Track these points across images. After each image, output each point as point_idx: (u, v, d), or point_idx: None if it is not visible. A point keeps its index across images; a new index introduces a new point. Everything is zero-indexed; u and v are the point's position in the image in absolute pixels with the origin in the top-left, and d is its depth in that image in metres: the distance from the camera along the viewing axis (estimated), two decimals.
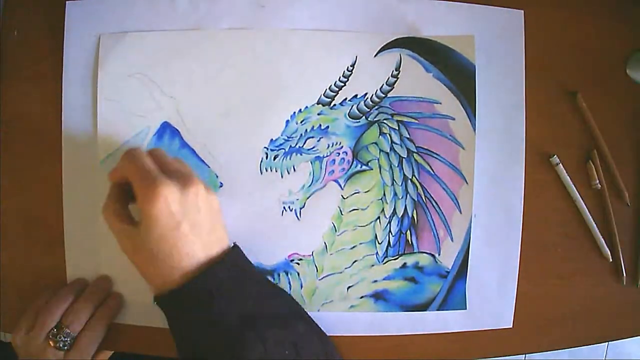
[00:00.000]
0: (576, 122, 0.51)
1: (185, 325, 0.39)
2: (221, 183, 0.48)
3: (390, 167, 0.49)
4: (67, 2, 0.48)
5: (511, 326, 0.50)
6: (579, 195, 0.50)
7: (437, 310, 0.50)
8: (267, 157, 0.48)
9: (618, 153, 0.51)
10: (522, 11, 0.50)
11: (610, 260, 0.51)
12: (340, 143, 0.49)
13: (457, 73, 0.49)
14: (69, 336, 0.43)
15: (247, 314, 0.38)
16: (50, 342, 0.43)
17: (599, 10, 0.51)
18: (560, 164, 0.50)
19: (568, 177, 0.50)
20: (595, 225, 0.51)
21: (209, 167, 0.48)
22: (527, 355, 1.12)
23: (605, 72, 0.51)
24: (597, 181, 0.51)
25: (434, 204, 0.49)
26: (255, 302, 0.40)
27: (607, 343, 1.28)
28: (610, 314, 0.52)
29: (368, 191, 0.49)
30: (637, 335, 0.53)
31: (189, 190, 0.38)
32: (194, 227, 0.38)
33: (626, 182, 0.51)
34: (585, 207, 0.51)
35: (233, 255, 0.41)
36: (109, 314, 0.47)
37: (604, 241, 0.51)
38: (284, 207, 0.49)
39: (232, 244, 0.42)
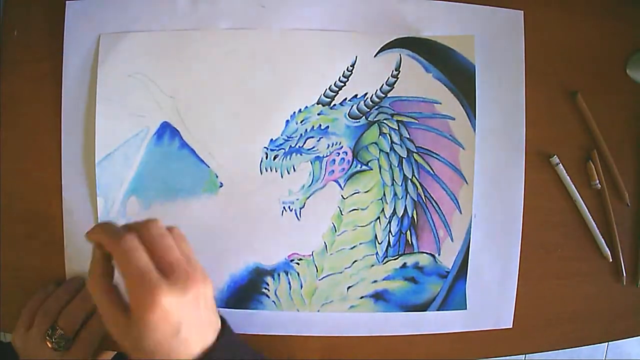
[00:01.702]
0: (576, 122, 0.51)
1: None
2: (221, 183, 0.48)
3: (390, 167, 0.49)
4: (66, 1, 0.48)
5: (511, 326, 0.50)
6: (579, 195, 0.50)
7: (437, 310, 0.50)
8: (267, 157, 0.48)
9: (618, 153, 0.51)
10: (522, 11, 0.50)
11: (610, 260, 0.51)
12: (340, 143, 0.49)
13: (457, 73, 0.49)
14: (63, 338, 0.43)
15: None
16: (48, 343, 0.43)
17: (599, 10, 0.51)
18: (560, 164, 0.50)
19: (568, 177, 0.50)
20: (595, 225, 0.51)
21: (208, 167, 0.48)
22: (527, 355, 1.12)
23: (605, 72, 0.51)
24: (597, 181, 0.50)
25: (434, 204, 0.49)
26: None
27: (607, 343, 1.28)
28: (610, 314, 0.52)
29: (368, 191, 0.49)
30: (637, 335, 0.53)
31: (188, 293, 0.35)
32: (192, 328, 0.35)
33: (626, 182, 0.51)
34: (585, 207, 0.51)
35: (226, 336, 0.39)
36: None
37: (604, 241, 0.51)
38: (284, 207, 0.49)
39: (220, 320, 0.40)
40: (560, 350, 0.52)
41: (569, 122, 0.51)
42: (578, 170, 0.51)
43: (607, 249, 0.51)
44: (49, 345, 0.43)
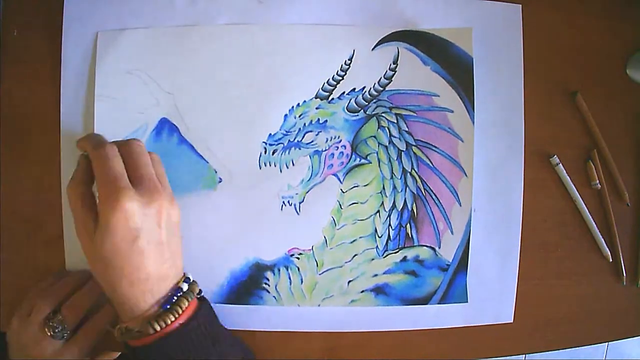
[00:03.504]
0: (576, 122, 0.51)
1: None
2: (220, 178, 0.48)
3: (389, 160, 0.49)
4: None
5: (512, 321, 0.50)
6: (579, 195, 0.50)
7: (438, 303, 0.49)
8: (265, 152, 0.48)
9: (618, 153, 0.51)
10: (520, 5, 0.50)
11: (610, 260, 0.51)
12: (338, 137, 0.49)
13: (455, 66, 0.49)
14: (60, 324, 0.43)
15: None
16: (47, 330, 0.43)
17: (599, 10, 0.51)
18: (560, 164, 0.50)
19: (568, 177, 0.50)
20: (595, 225, 0.51)
21: (207, 162, 0.48)
22: (527, 355, 1.12)
23: (605, 72, 0.51)
24: (597, 181, 0.50)
25: (434, 197, 0.49)
26: (222, 356, 0.41)
27: (607, 343, 1.28)
28: (610, 314, 0.52)
29: (367, 185, 0.49)
30: (637, 335, 0.52)
31: (153, 204, 0.37)
32: (150, 243, 0.37)
33: (626, 182, 0.51)
34: (585, 207, 0.51)
35: (205, 310, 0.41)
36: (114, 312, 0.46)
37: (604, 241, 0.51)
38: (283, 202, 0.49)
39: (188, 278, 0.41)
40: (560, 350, 0.52)
41: (569, 122, 0.51)
42: (578, 170, 0.51)
43: (607, 249, 0.51)
44: (48, 333, 0.42)
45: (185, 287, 0.40)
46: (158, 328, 0.37)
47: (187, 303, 0.39)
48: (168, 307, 0.39)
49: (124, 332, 0.39)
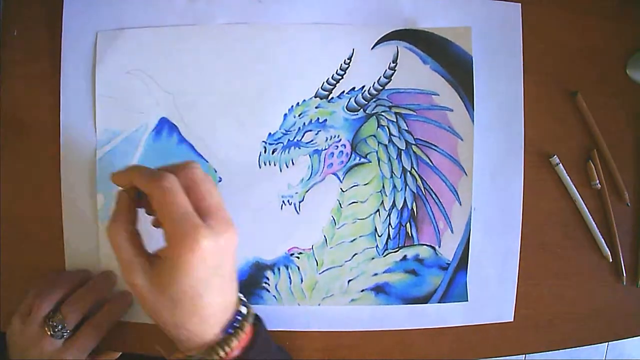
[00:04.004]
0: (576, 122, 0.51)
1: None
2: (220, 178, 0.48)
3: (389, 159, 0.49)
4: None
5: (512, 320, 0.50)
6: (579, 195, 0.50)
7: (439, 302, 0.49)
8: (265, 151, 0.48)
9: (618, 153, 0.51)
10: (520, 4, 0.50)
11: (610, 260, 0.51)
12: (338, 136, 0.49)
13: (455, 65, 0.49)
14: (61, 323, 0.42)
15: None
16: (47, 330, 0.42)
17: (599, 10, 0.51)
18: (560, 164, 0.50)
19: (568, 177, 0.50)
20: (595, 225, 0.51)
21: (207, 162, 0.48)
22: (527, 355, 1.12)
23: (605, 72, 0.51)
24: (597, 181, 0.50)
25: (434, 195, 0.49)
26: None
27: (607, 343, 1.27)
28: (610, 314, 0.52)
29: (367, 184, 0.49)
30: (637, 335, 0.52)
31: (225, 239, 0.35)
32: (222, 277, 0.36)
33: (626, 182, 0.51)
34: (585, 207, 0.50)
35: (262, 332, 0.40)
36: (116, 311, 0.46)
37: (604, 241, 0.51)
38: (283, 201, 0.49)
39: (243, 300, 0.40)
40: (560, 350, 0.52)
41: (569, 122, 0.51)
42: (578, 170, 0.51)
43: (607, 249, 0.51)
44: (48, 332, 0.42)
45: (244, 310, 0.39)
46: (223, 354, 0.36)
47: (247, 327, 0.38)
48: (231, 331, 0.37)
49: None
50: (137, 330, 0.48)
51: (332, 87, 0.49)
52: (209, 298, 0.35)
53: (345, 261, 0.49)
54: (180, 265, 0.33)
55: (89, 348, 0.44)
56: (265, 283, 0.49)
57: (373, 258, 0.49)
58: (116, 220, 0.36)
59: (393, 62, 0.49)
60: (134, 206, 0.37)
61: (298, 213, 0.49)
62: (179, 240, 0.33)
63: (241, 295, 0.40)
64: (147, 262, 0.35)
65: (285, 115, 0.48)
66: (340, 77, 0.49)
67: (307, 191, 0.49)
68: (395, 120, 0.49)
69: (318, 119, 0.49)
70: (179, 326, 0.35)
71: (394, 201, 0.49)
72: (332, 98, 0.49)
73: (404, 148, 0.49)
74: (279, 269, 0.49)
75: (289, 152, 0.48)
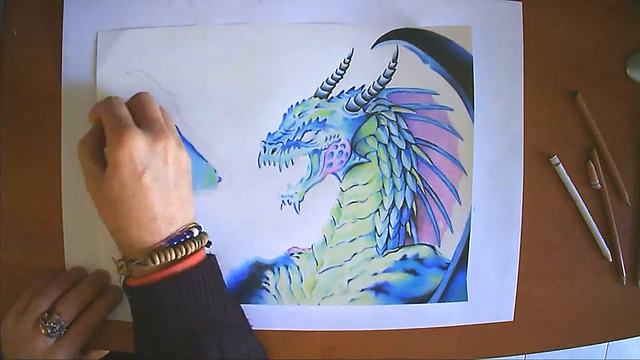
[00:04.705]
0: (576, 122, 0.51)
1: (152, 320, 0.39)
2: (220, 177, 0.48)
3: (389, 159, 0.49)
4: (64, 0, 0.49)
5: (512, 319, 0.50)
6: (579, 195, 0.50)
7: (439, 302, 0.49)
8: (265, 151, 0.48)
9: (618, 153, 0.51)
10: (521, 3, 0.50)
11: (610, 260, 0.51)
12: (338, 136, 0.49)
13: (455, 64, 0.49)
14: (58, 323, 0.43)
15: (214, 321, 0.39)
16: (41, 328, 0.42)
17: (599, 10, 0.51)
18: (560, 164, 0.50)
19: (568, 177, 0.50)
20: (595, 225, 0.50)
21: (207, 161, 0.48)
22: (527, 355, 1.12)
23: (605, 72, 0.51)
24: (597, 181, 0.50)
25: (433, 195, 0.49)
26: (223, 311, 0.40)
27: (607, 343, 1.27)
28: (610, 314, 0.52)
29: (367, 183, 0.49)
30: (637, 336, 0.52)
31: (159, 143, 0.38)
32: (157, 180, 0.38)
33: (626, 182, 0.51)
34: (585, 207, 0.50)
35: (212, 263, 0.41)
36: (105, 308, 0.46)
37: (604, 241, 0.51)
38: (283, 201, 0.49)
39: (200, 227, 0.42)
40: (560, 350, 0.52)
41: (569, 122, 0.51)
42: (578, 170, 0.51)
43: (607, 249, 0.51)
44: (42, 331, 0.42)
45: (195, 232, 0.40)
46: (158, 262, 0.37)
47: (194, 247, 0.39)
48: (174, 243, 0.39)
49: (125, 265, 0.39)
50: (125, 329, 0.48)
51: (331, 86, 0.49)
52: (143, 199, 0.37)
53: (345, 261, 0.49)
54: (112, 162, 0.37)
55: (79, 346, 0.44)
56: (265, 283, 0.49)
57: (373, 258, 0.49)
58: (84, 140, 0.41)
59: (393, 62, 0.49)
60: (100, 132, 0.40)
61: (298, 213, 0.49)
62: (111, 141, 0.37)
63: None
64: (99, 170, 0.39)
65: (285, 115, 0.48)
66: (339, 76, 0.49)
67: (306, 191, 0.49)
68: (395, 119, 0.49)
69: (318, 118, 0.49)
70: (121, 230, 0.38)
71: (393, 201, 0.49)
72: (332, 97, 0.49)
73: (403, 147, 0.49)
74: (278, 269, 0.49)
75: (288, 151, 0.48)
